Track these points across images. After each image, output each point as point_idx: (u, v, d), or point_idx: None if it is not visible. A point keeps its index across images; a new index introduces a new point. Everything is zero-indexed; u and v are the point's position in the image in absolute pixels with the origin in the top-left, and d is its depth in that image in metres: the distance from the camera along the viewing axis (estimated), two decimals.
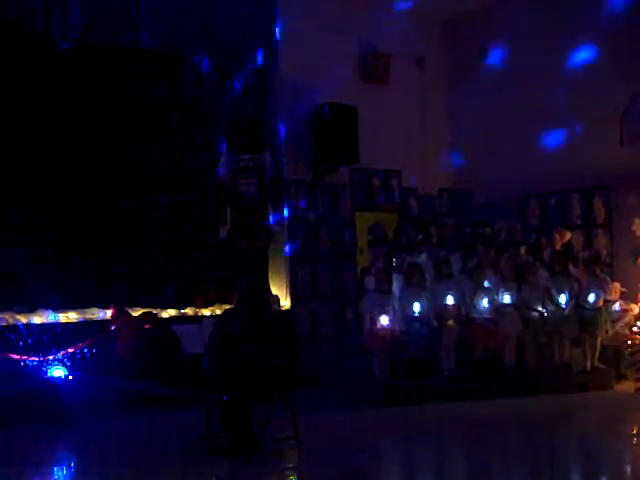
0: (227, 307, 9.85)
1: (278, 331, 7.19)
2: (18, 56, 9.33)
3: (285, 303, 10.77)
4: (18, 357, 8.62)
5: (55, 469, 6.99)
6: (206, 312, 9.95)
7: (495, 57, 11.99)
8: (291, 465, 6.94)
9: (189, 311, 9.98)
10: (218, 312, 9.93)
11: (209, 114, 10.49)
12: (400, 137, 11.84)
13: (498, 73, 11.98)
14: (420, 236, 10.66)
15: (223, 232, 9.95)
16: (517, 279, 9.87)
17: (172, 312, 9.80)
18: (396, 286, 9.79)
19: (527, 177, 11.50)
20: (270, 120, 10.95)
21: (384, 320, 9.29)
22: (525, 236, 10.92)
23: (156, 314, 9.58)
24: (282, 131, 11.05)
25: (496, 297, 9.71)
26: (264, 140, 10.76)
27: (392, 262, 10.26)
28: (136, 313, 9.44)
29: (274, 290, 10.56)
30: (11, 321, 8.85)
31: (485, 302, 9.59)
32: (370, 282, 10.00)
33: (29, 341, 8.78)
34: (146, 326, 9.33)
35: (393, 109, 11.77)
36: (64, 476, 6.80)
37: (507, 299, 9.73)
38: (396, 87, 11.89)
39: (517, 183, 11.60)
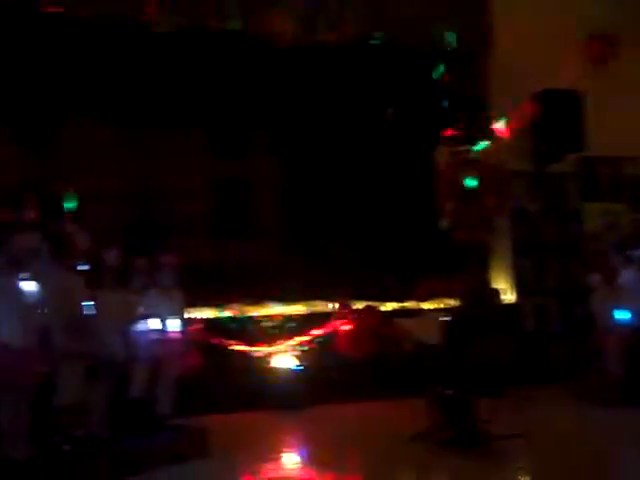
0: (448, 300, 9.79)
1: (500, 326, 6.96)
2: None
3: (509, 297, 10.42)
4: (247, 348, 8.98)
5: (284, 457, 7.17)
6: (427, 305, 9.87)
7: None
8: (516, 463, 6.67)
9: (410, 304, 9.95)
10: (440, 305, 9.84)
11: (426, 105, 10.38)
12: (632, 121, 11.03)
13: None
14: None
15: (443, 224, 9.77)
16: None
17: (393, 305, 9.81)
18: (630, 280, 9.15)
19: None
20: (490, 108, 10.66)
21: (620, 315, 8.72)
22: None
23: (378, 307, 9.62)
24: (502, 120, 10.69)
25: None
26: (483, 130, 10.47)
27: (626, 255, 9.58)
28: (358, 306, 9.54)
29: (497, 284, 10.31)
30: (240, 313, 9.26)
31: None
32: (594, 278, 9.43)
33: (257, 332, 9.14)
34: (368, 319, 9.39)
35: (623, 92, 10.99)
36: (295, 464, 6.97)
37: None
38: (625, 68, 11.10)
39: None
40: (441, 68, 10.08)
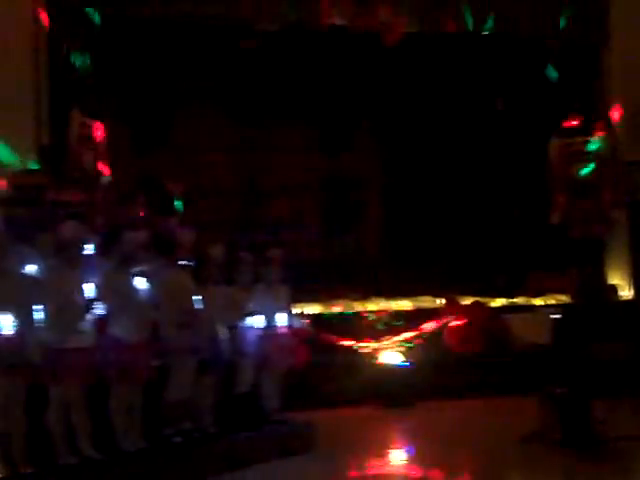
0: (559, 296, 9.51)
1: (616, 323, 6.71)
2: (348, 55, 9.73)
3: (627, 293, 10.01)
4: (354, 344, 8.96)
5: (391, 454, 7.12)
6: (538, 302, 9.61)
7: None
8: (631, 465, 6.43)
9: (520, 300, 9.72)
10: (551, 302, 9.57)
11: (537, 97, 10.09)
12: None
13: None
14: None
15: (555, 218, 9.49)
16: None
17: (502, 301, 9.61)
18: None
19: None
20: (604, 99, 10.26)
21: None
22: None
23: (486, 303, 9.44)
24: (617, 110, 10.27)
25: None
26: (598, 121, 10.10)
27: None
28: (466, 302, 9.38)
29: (614, 280, 9.94)
30: (347, 308, 9.27)
31: None
32: None
33: (364, 328, 9.12)
34: (477, 315, 9.22)
35: None
36: (401, 461, 6.92)
37: None
38: None
39: None
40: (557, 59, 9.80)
